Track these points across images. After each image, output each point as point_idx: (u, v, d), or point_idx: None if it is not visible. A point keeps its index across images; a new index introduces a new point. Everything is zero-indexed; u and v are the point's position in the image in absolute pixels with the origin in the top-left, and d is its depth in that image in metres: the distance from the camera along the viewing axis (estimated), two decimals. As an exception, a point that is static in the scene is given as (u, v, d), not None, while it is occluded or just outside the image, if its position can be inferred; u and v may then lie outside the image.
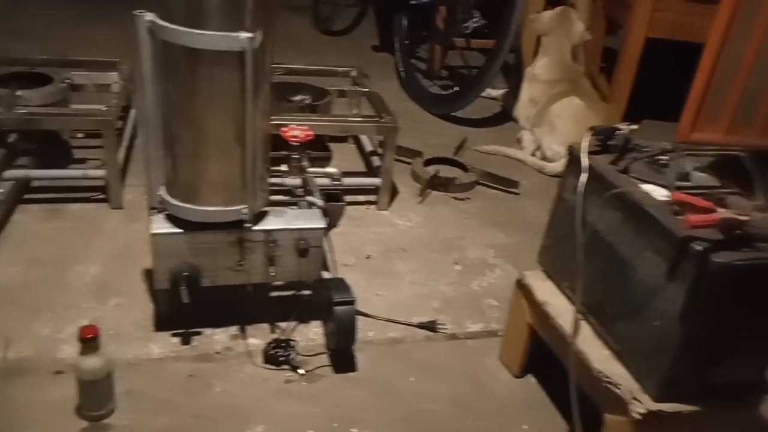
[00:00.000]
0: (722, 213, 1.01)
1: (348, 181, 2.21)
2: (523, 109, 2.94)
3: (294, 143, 1.44)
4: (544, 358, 1.39)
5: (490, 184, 2.46)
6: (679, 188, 1.18)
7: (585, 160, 1.27)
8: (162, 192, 1.39)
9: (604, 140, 1.31)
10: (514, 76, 3.13)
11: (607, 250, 1.24)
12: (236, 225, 1.39)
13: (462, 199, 2.37)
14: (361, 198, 2.25)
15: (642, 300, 1.16)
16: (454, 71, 3.44)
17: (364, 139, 2.49)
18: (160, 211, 1.42)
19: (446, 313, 1.75)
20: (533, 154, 2.73)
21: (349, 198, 2.24)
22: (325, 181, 1.59)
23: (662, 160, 1.25)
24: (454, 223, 2.21)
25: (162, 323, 1.56)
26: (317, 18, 4.20)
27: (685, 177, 1.24)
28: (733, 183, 1.26)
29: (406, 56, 3.31)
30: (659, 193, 1.17)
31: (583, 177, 1.26)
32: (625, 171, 1.25)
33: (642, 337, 1.17)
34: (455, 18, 3.02)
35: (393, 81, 3.39)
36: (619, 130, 1.30)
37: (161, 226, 1.39)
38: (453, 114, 3.03)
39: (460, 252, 2.04)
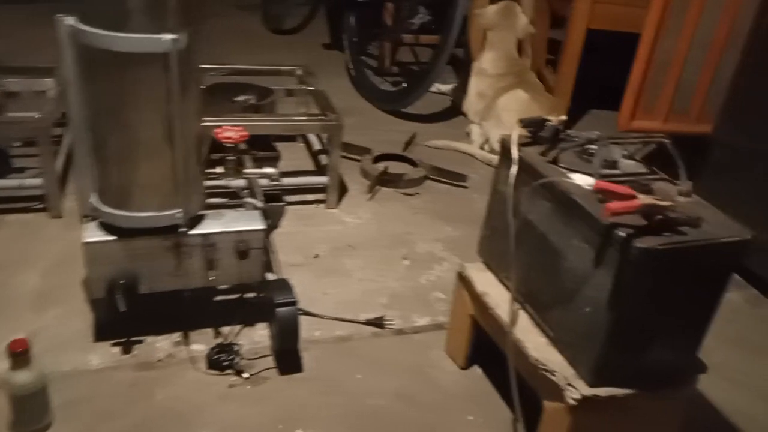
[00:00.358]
0: (642, 199, 1.04)
1: (296, 180, 2.21)
2: (471, 104, 2.97)
3: (228, 144, 1.42)
4: (489, 349, 1.40)
5: (438, 178, 2.47)
6: (606, 176, 1.21)
7: (515, 152, 1.28)
8: (93, 199, 1.36)
9: (535, 132, 1.33)
10: (463, 70, 3.15)
11: (540, 239, 1.26)
12: (172, 230, 1.37)
13: (411, 195, 2.38)
14: (310, 197, 2.24)
15: (573, 287, 1.18)
16: (405, 67, 3.45)
17: (312, 138, 2.48)
18: (92, 219, 1.39)
19: (394, 308, 1.76)
20: (482, 148, 2.76)
21: (297, 197, 2.24)
22: (265, 181, 1.57)
23: (591, 149, 1.27)
24: (403, 218, 2.21)
25: (101, 333, 1.53)
26: (267, 17, 4.17)
27: (613, 165, 1.27)
28: (661, 169, 1.30)
29: (355, 54, 3.31)
30: (587, 182, 1.19)
31: (514, 169, 1.28)
32: (554, 161, 1.27)
33: (575, 324, 1.19)
34: (402, 14, 3.02)
35: (344, 78, 3.39)
36: (549, 121, 1.32)
37: (93, 234, 1.36)
38: (403, 110, 3.04)
39: (408, 247, 2.05)
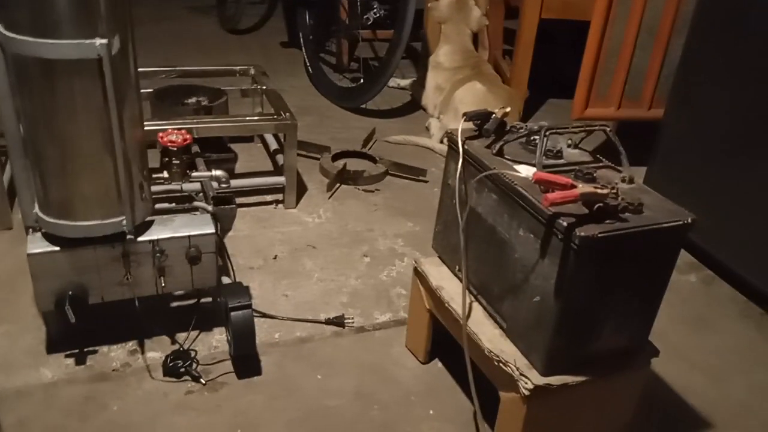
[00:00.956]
0: (581, 188, 1.05)
1: (253, 181, 2.19)
2: (430, 97, 2.97)
3: (172, 148, 1.40)
4: (450, 342, 1.40)
5: (398, 174, 2.47)
6: (550, 167, 1.22)
7: (460, 146, 1.29)
8: (37, 210, 1.33)
9: (480, 125, 1.33)
10: (422, 65, 3.15)
11: (489, 231, 1.26)
12: (119, 238, 1.35)
13: (371, 191, 2.37)
14: (269, 198, 2.22)
15: (522, 278, 1.19)
16: (364, 63, 3.44)
17: (270, 138, 2.46)
18: (36, 230, 1.35)
19: (355, 306, 1.76)
20: (441, 141, 2.76)
21: (255, 199, 2.22)
22: (215, 184, 1.55)
23: (535, 140, 1.28)
24: (363, 215, 2.21)
25: (54, 346, 1.50)
26: (222, 17, 4.12)
27: (558, 155, 1.28)
28: (606, 157, 1.31)
29: (312, 51, 3.29)
30: (530, 173, 1.20)
31: (460, 162, 1.28)
32: (499, 153, 1.27)
33: (525, 314, 1.20)
34: (356, 10, 3.01)
35: (303, 77, 3.36)
36: (493, 114, 1.32)
37: (38, 245, 1.33)
38: (363, 106, 3.03)
39: (369, 244, 2.05)
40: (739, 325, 1.80)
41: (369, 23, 2.91)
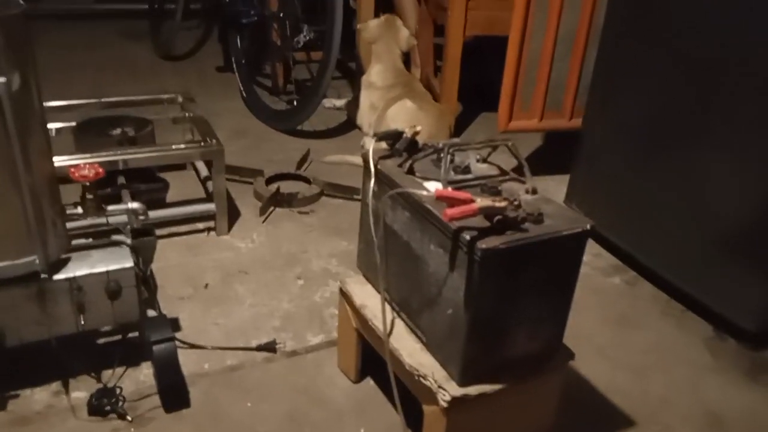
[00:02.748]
0: (480, 203, 1.08)
1: (183, 210, 2.17)
2: (365, 116, 3.01)
3: (84, 183, 1.39)
4: (379, 360, 1.41)
5: (333, 193, 2.49)
6: (456, 182, 1.25)
7: (372, 166, 1.31)
8: (-57, 253, 1.30)
9: (393, 144, 1.37)
10: (357, 84, 3.19)
11: (404, 247, 1.29)
12: (33, 277, 1.32)
13: (306, 213, 2.38)
14: (200, 225, 2.20)
15: (436, 291, 1.22)
16: (300, 85, 3.46)
17: (200, 165, 2.44)
18: (-56, 274, 1.32)
19: (287, 330, 1.76)
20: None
21: (187, 227, 2.20)
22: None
23: (442, 157, 1.32)
24: (297, 237, 2.22)
25: (-28, 392, 1.45)
26: (156, 43, 4.09)
27: (466, 170, 1.32)
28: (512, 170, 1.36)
29: (245, 75, 3.29)
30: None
31: (372, 181, 1.31)
32: (410, 171, 1.31)
33: (441, 327, 1.22)
34: (286, 33, 3.04)
35: (238, 101, 3.36)
36: (404, 132, 1.35)
37: (-55, 290, 1.29)
38: (298, 128, 3.05)
39: (303, 265, 2.05)
40: (660, 323, 1.87)
41: (299, 45, 2.93)
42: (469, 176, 1.30)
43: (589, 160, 2.16)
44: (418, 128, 1.37)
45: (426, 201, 1.20)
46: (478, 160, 1.37)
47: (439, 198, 1.10)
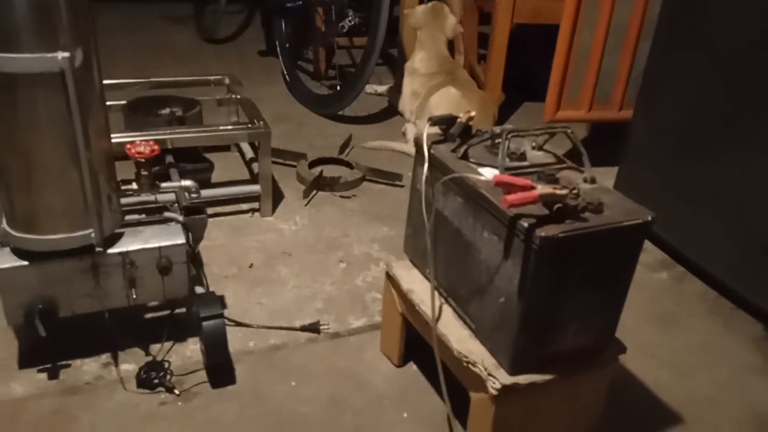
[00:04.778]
0: (540, 189, 1.06)
1: (229, 190, 2.20)
2: (406, 103, 2.99)
3: (140, 160, 1.40)
4: (423, 345, 1.41)
5: (375, 179, 2.49)
6: (513, 169, 1.24)
7: (426, 150, 1.30)
8: (3, 224, 1.33)
9: (446, 129, 1.35)
10: (398, 71, 3.17)
11: (455, 234, 1.28)
12: (87, 250, 1.35)
13: (348, 197, 2.38)
14: (245, 206, 2.22)
15: (488, 279, 1.20)
16: (342, 71, 3.46)
17: (245, 146, 2.46)
18: (4, 245, 1.35)
19: (330, 312, 1.76)
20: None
21: (231, 207, 2.22)
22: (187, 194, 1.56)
23: (499, 143, 1.30)
24: (339, 221, 2.22)
25: (26, 360, 1.49)
26: (199, 27, 4.12)
27: (522, 157, 1.30)
28: (570, 159, 1.34)
29: (289, 59, 3.30)
30: (494, 176, 1.21)
31: (425, 166, 1.30)
32: (464, 157, 1.29)
33: (492, 315, 1.21)
34: (331, 18, 3.03)
35: (280, 85, 3.38)
36: (458, 118, 1.34)
37: (5, 260, 1.32)
38: (340, 113, 3.05)
39: (345, 250, 2.06)
40: (707, 322, 1.82)
41: (344, 31, 2.93)
42: (524, 163, 1.28)
43: (638, 153, 2.12)
44: (473, 113, 1.35)
45: (481, 187, 1.18)
46: (533, 148, 1.35)
47: (498, 184, 1.08)
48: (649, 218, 1.15)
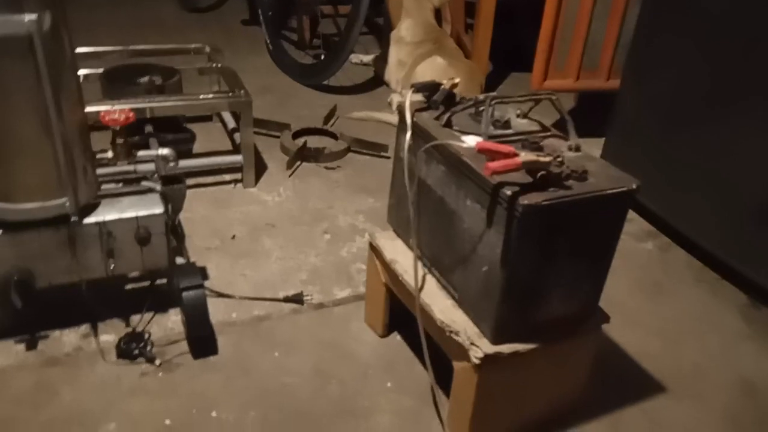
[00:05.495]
0: (524, 157, 1.04)
1: (210, 160, 2.16)
2: (392, 72, 2.95)
3: (115, 127, 1.37)
4: (407, 315, 1.40)
5: (360, 150, 2.46)
6: (497, 136, 1.21)
7: (408, 118, 1.27)
8: (-24, 193, 1.29)
9: (429, 96, 1.32)
10: (385, 40, 3.12)
11: (438, 203, 1.26)
12: (63, 220, 1.31)
13: (333, 168, 2.35)
14: (227, 177, 2.19)
15: (471, 248, 1.19)
16: (327, 40, 3.39)
17: (227, 116, 2.42)
18: (-23, 215, 1.31)
19: (314, 283, 1.75)
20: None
21: (214, 178, 2.19)
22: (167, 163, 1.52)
23: (481, 110, 1.27)
24: (324, 193, 2.19)
25: (3, 332, 1.46)
26: (182, -3, 4.02)
27: (506, 125, 1.27)
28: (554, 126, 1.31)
29: (272, 28, 3.23)
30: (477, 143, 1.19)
31: (408, 134, 1.27)
32: (448, 125, 1.27)
33: (475, 284, 1.20)
34: (314, -15, 2.96)
35: (264, 55, 3.31)
36: (441, 85, 1.31)
37: (-23, 230, 1.29)
38: (325, 83, 3.00)
39: (330, 221, 2.04)
40: (694, 290, 1.83)
41: (326, -1, 2.87)
42: (509, 131, 1.26)
43: (625, 123, 2.10)
44: (457, 80, 1.32)
45: (464, 154, 1.16)
46: (518, 116, 1.32)
47: (481, 151, 1.06)
48: (634, 186, 1.14)
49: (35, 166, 1.24)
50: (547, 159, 1.06)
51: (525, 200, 1.04)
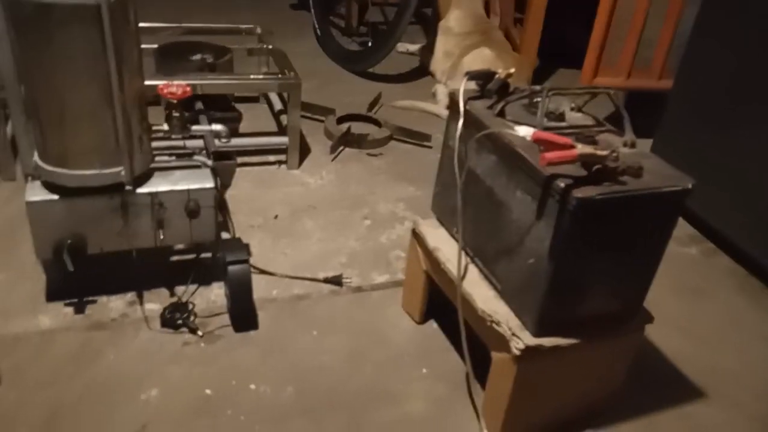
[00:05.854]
0: (580, 149, 1.03)
1: (257, 141, 2.19)
2: (438, 63, 2.94)
3: (171, 100, 1.39)
4: (445, 304, 1.40)
5: (403, 138, 2.46)
6: (551, 128, 1.20)
7: (461, 106, 1.27)
8: (36, 158, 1.33)
9: (483, 86, 1.32)
10: (431, 30, 3.11)
11: (486, 192, 1.26)
12: (117, 188, 1.35)
13: (375, 155, 2.36)
14: (272, 158, 2.22)
15: (517, 239, 1.18)
16: (374, 27, 3.40)
17: (274, 98, 2.44)
18: (35, 178, 1.36)
19: (353, 267, 1.76)
20: (448, 108, 2.73)
21: (258, 158, 2.21)
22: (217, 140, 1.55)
23: (538, 102, 1.26)
24: (365, 179, 2.20)
25: (54, 294, 1.52)
26: (232, -24, 4.05)
27: (560, 117, 1.26)
28: (609, 121, 1.30)
29: (321, 13, 3.25)
30: (530, 134, 1.18)
31: (460, 122, 1.27)
32: (501, 114, 1.26)
33: (519, 276, 1.19)
34: (365, -28, 2.97)
35: (311, 40, 3.33)
36: (497, 74, 1.30)
37: (36, 193, 1.33)
38: (370, 70, 3.00)
39: (370, 207, 2.05)
40: (736, 298, 1.79)
41: (378, -14, 2.86)
42: (563, 124, 1.25)
43: (675, 123, 2.06)
44: (512, 70, 1.31)
45: (518, 145, 1.16)
46: (572, 109, 1.31)
47: (537, 140, 1.06)
48: (690, 185, 1.12)
49: (94, 134, 1.27)
50: (604, 153, 1.04)
51: (579, 193, 1.03)
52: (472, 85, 1.33)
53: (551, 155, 1.01)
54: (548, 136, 1.05)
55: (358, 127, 2.47)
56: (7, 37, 1.19)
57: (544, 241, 1.11)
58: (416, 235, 1.50)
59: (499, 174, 1.22)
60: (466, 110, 1.29)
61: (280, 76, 2.06)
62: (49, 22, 1.14)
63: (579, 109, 1.31)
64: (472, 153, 1.29)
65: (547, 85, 1.26)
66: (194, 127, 1.47)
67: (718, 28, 1.88)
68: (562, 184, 1.05)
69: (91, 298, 1.52)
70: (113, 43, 1.18)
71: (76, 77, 1.20)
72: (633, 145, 1.20)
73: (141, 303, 1.52)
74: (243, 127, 2.33)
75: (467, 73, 1.30)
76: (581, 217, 1.05)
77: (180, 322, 1.46)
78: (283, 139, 2.12)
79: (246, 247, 1.47)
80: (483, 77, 1.31)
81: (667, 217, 1.16)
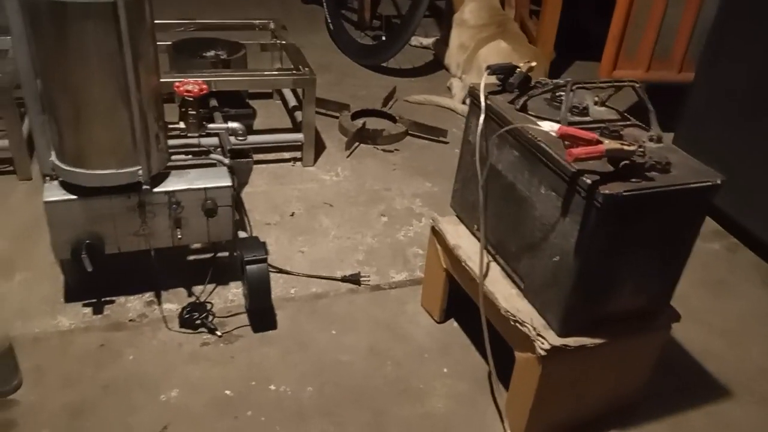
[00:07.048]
0: (608, 144, 1.01)
1: (271, 137, 2.17)
2: (453, 56, 2.91)
3: (188, 98, 1.38)
4: (466, 302, 1.38)
5: (418, 134, 2.43)
6: (575, 123, 1.18)
7: (482, 100, 1.25)
8: (53, 158, 1.33)
9: (504, 79, 1.29)
10: (446, 23, 3.07)
11: (508, 188, 1.23)
12: (134, 188, 1.34)
13: (390, 151, 2.34)
14: (287, 155, 2.20)
15: (541, 236, 1.16)
16: (387, 21, 3.37)
17: (288, 94, 2.43)
18: (53, 178, 1.35)
19: (371, 264, 1.74)
20: (464, 102, 2.71)
21: (273, 155, 2.20)
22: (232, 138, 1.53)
23: (560, 96, 1.24)
24: (381, 175, 2.18)
25: (72, 294, 1.51)
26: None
27: (584, 112, 1.23)
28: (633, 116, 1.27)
29: (333, 7, 3.22)
30: (554, 129, 1.16)
31: (482, 117, 1.24)
32: (523, 109, 1.23)
33: (543, 273, 1.17)
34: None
35: (323, 33, 3.31)
36: (518, 68, 1.27)
37: (54, 193, 1.33)
38: (384, 65, 2.98)
39: (386, 203, 2.03)
40: (761, 292, 1.76)
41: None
42: (587, 118, 1.22)
43: (697, 117, 2.02)
44: (533, 63, 1.29)
45: (542, 140, 1.13)
46: (595, 103, 1.28)
47: (562, 136, 1.03)
48: (719, 181, 1.09)
49: (112, 132, 1.26)
50: (632, 148, 1.02)
51: (606, 189, 1.01)
52: (493, 79, 1.31)
53: (578, 151, 0.98)
54: (574, 131, 1.02)
55: (372, 123, 2.45)
56: (24, 36, 1.17)
57: (570, 238, 1.08)
58: (436, 233, 1.47)
59: (521, 169, 1.19)
60: (487, 105, 1.26)
61: (294, 71, 2.04)
62: (66, 20, 1.13)
63: (603, 103, 1.28)
64: (493, 148, 1.26)
65: (568, 78, 1.23)
66: (211, 125, 1.46)
67: (744, 14, 1.83)
68: (589, 180, 1.03)
69: (109, 299, 1.51)
70: (130, 40, 1.17)
71: (93, 75, 1.19)
72: (659, 140, 1.18)
73: (159, 303, 1.51)
74: (257, 124, 2.32)
75: (488, 67, 1.27)
76: (608, 213, 1.03)
77: (198, 322, 1.45)
78: (299, 136, 2.11)
79: (263, 246, 1.45)
80: (504, 71, 1.29)
81: (696, 212, 1.13)
